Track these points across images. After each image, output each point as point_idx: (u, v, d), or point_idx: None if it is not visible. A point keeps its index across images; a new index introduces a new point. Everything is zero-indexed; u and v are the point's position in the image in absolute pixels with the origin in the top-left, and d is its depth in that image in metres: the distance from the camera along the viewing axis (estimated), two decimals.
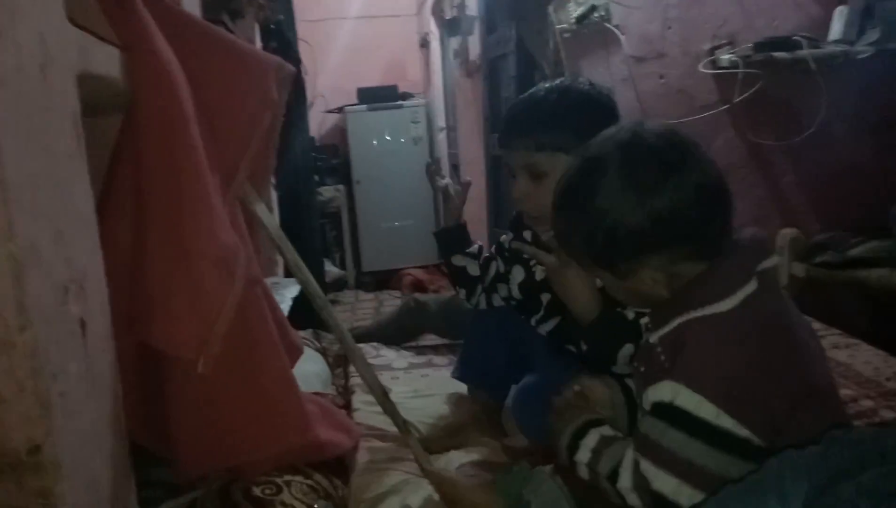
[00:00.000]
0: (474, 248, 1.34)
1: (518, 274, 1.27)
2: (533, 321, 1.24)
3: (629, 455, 0.77)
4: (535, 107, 1.14)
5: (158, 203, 0.81)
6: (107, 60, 0.75)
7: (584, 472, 0.83)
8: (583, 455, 0.83)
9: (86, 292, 0.64)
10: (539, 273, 1.21)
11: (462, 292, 1.36)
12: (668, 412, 0.71)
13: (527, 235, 1.26)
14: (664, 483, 0.71)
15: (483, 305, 1.34)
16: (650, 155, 0.75)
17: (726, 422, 0.68)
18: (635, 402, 0.90)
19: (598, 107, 1.13)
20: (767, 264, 0.77)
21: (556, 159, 1.10)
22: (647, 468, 0.72)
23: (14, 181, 0.52)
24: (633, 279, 0.78)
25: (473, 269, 1.33)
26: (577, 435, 0.85)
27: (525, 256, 1.24)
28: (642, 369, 0.82)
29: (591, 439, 0.83)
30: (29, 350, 0.54)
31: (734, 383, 0.69)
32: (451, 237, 1.35)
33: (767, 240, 0.82)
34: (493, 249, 1.36)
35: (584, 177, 0.79)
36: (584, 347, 1.05)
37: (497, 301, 1.32)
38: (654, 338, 0.78)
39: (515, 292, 1.28)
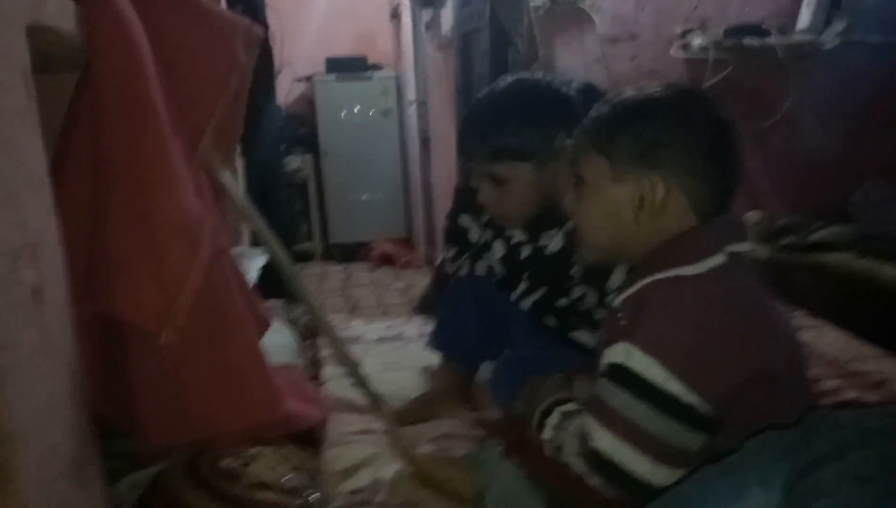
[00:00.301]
0: (484, 217, 1.31)
1: (498, 249, 1.27)
2: (513, 297, 1.24)
3: (574, 423, 0.77)
4: (491, 114, 1.10)
5: (118, 166, 0.78)
6: (60, 12, 0.71)
7: (549, 450, 0.82)
8: (547, 434, 0.82)
9: (40, 258, 0.61)
10: (523, 253, 1.21)
11: (451, 252, 1.33)
12: (619, 374, 0.71)
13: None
14: (602, 440, 0.70)
15: (465, 270, 1.32)
16: (701, 97, 0.80)
17: (674, 387, 0.68)
18: None
19: (555, 108, 1.08)
20: (740, 247, 0.77)
21: (515, 167, 1.09)
22: (589, 425, 0.72)
23: None
24: (628, 184, 0.77)
25: (475, 235, 1.31)
26: (543, 415, 0.84)
27: (506, 233, 1.23)
28: (605, 337, 0.81)
29: (554, 417, 0.82)
30: None
31: (689, 348, 0.70)
32: (473, 197, 1.25)
33: (744, 225, 0.83)
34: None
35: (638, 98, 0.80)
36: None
37: (480, 270, 1.31)
38: (617, 301, 0.78)
39: (497, 267, 1.28)
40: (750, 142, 2.21)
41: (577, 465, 0.74)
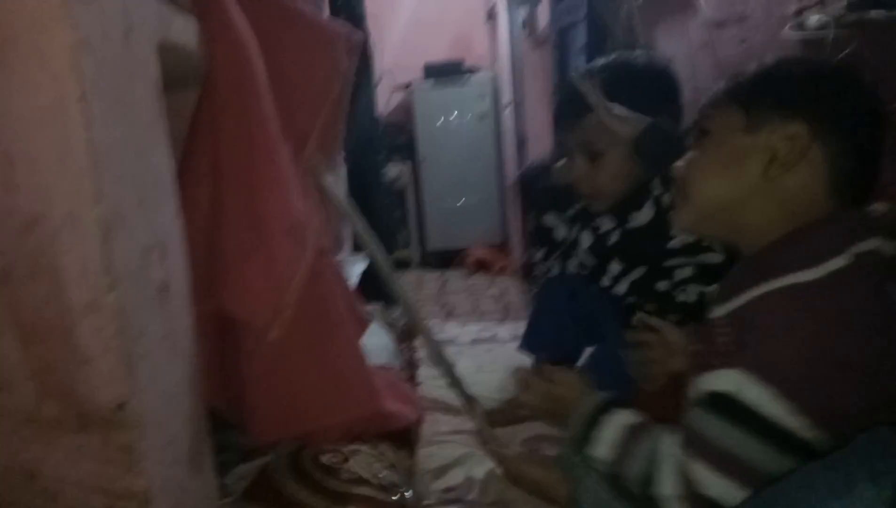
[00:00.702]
0: (569, 213, 1.28)
1: (586, 239, 1.23)
2: (606, 282, 1.18)
3: (668, 455, 0.67)
4: (610, 67, 1.12)
5: (233, 172, 0.82)
6: (184, 29, 0.76)
7: (605, 469, 0.73)
8: (602, 452, 0.73)
9: (167, 256, 0.66)
10: (612, 238, 1.18)
11: (539, 254, 1.31)
12: (727, 406, 0.61)
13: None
14: (722, 488, 0.61)
15: (556, 271, 1.30)
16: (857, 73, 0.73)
17: (793, 422, 0.58)
18: None
19: (655, 81, 1.09)
20: (867, 245, 0.64)
21: (615, 127, 1.08)
22: (700, 472, 0.62)
23: (101, 146, 0.54)
24: (760, 135, 0.67)
25: (560, 233, 1.28)
26: (589, 426, 0.75)
27: (593, 224, 1.20)
28: (699, 350, 0.71)
29: (609, 432, 0.73)
30: (115, 311, 0.56)
31: (810, 374, 0.59)
32: (556, 195, 1.28)
33: (873, 219, 0.69)
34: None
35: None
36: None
37: (571, 268, 1.28)
38: (718, 313, 0.68)
39: (586, 259, 1.24)
40: None
41: (678, 507, 0.65)
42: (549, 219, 1.29)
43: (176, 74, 0.80)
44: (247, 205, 0.83)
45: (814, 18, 1.92)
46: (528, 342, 1.32)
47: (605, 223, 1.18)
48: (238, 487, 0.88)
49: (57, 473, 0.60)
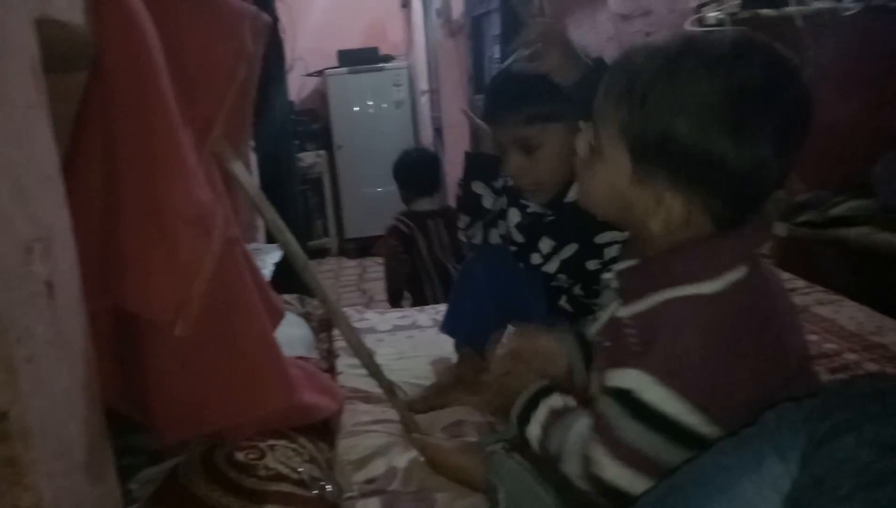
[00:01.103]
0: (499, 182, 1.27)
1: (514, 216, 1.23)
2: (536, 260, 1.18)
3: (574, 435, 0.71)
4: (521, 77, 1.08)
5: (129, 159, 0.77)
6: (69, 5, 0.70)
7: (535, 448, 0.79)
8: (533, 430, 0.78)
9: (52, 251, 0.61)
10: (545, 218, 1.17)
11: (464, 221, 1.29)
12: (631, 402, 0.66)
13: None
14: (613, 472, 0.66)
15: (479, 239, 1.28)
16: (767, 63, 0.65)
17: (691, 420, 0.64)
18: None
19: (590, 72, 1.06)
20: (763, 249, 0.70)
21: (549, 131, 1.07)
22: (600, 457, 0.67)
23: None
24: (646, 193, 0.67)
25: (488, 201, 1.26)
26: (528, 406, 0.80)
27: (522, 200, 1.20)
28: (607, 343, 0.76)
29: (540, 412, 0.78)
30: None
31: (707, 378, 0.64)
32: (485, 163, 1.25)
33: (770, 221, 0.72)
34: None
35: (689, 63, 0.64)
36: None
37: (494, 238, 1.27)
38: (625, 313, 0.71)
39: (514, 235, 1.24)
40: None
41: (580, 484, 0.70)
42: (478, 187, 1.26)
43: (60, 53, 0.74)
44: (145, 194, 0.78)
45: (712, 14, 2.03)
46: (449, 325, 1.31)
47: (535, 206, 1.18)
48: (145, 492, 0.84)
49: None
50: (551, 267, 1.17)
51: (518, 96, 1.08)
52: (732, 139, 0.62)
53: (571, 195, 1.12)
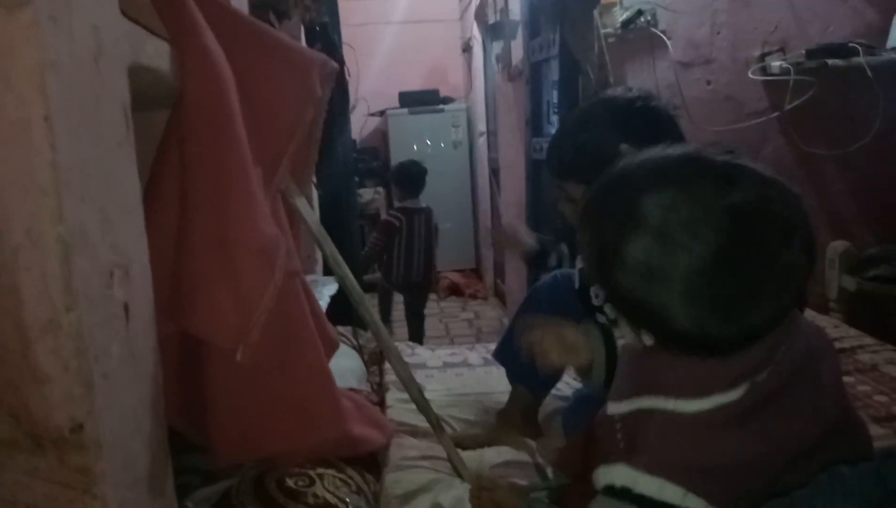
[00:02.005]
0: (553, 259, 1.32)
1: (580, 262, 1.25)
2: (597, 302, 1.15)
3: None
4: (566, 134, 1.13)
5: (202, 194, 0.83)
6: (157, 53, 0.77)
7: None
8: None
9: (130, 277, 0.66)
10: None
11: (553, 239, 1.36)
12: (628, 497, 0.63)
13: None
14: None
15: (564, 258, 1.32)
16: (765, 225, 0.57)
17: (694, 503, 0.60)
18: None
19: (629, 133, 1.01)
20: (758, 378, 0.61)
21: (580, 190, 1.08)
22: None
23: (65, 166, 0.54)
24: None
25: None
26: None
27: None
28: (602, 439, 0.73)
29: None
30: (74, 331, 0.55)
31: (701, 473, 0.61)
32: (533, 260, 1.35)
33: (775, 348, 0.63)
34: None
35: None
36: None
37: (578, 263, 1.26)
38: (612, 409, 0.70)
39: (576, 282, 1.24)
40: (835, 166, 2.11)
41: None
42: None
43: (147, 96, 0.81)
44: (215, 227, 0.83)
45: (776, 64, 2.01)
46: (503, 354, 1.30)
47: None
48: None
49: (10, 496, 0.59)
50: (609, 309, 1.17)
51: (559, 153, 1.12)
52: (679, 302, 0.57)
53: None
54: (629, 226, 0.58)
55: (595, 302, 1.17)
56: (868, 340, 1.58)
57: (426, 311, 3.53)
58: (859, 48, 1.90)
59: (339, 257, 1.08)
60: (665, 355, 0.63)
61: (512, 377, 1.29)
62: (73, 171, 0.55)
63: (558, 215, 1.20)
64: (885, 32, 2.00)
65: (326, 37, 2.33)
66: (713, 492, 0.60)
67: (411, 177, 3.46)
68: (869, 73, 1.85)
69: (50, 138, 0.52)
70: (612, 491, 0.65)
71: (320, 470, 0.96)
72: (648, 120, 1.04)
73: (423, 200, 4.06)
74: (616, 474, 0.64)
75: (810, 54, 1.96)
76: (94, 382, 0.57)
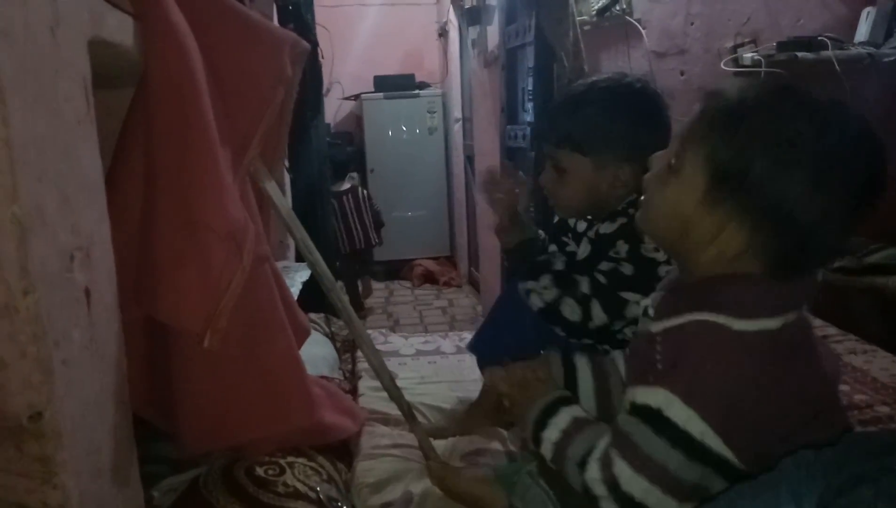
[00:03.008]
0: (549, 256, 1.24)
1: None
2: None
3: (601, 445, 0.72)
4: (567, 104, 1.13)
5: (168, 175, 0.80)
6: (119, 27, 0.74)
7: (548, 451, 0.79)
8: (551, 434, 0.79)
9: (92, 260, 0.63)
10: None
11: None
12: (654, 419, 0.67)
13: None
14: (635, 485, 0.68)
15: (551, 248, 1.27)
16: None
17: (712, 441, 0.65)
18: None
19: (632, 116, 1.07)
20: (794, 315, 0.68)
21: (573, 159, 1.09)
22: (622, 468, 0.69)
23: (20, 142, 0.51)
24: (713, 219, 0.68)
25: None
26: (547, 412, 0.81)
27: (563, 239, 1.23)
28: (634, 360, 0.78)
29: (562, 419, 0.79)
30: (32, 315, 0.53)
31: (731, 407, 0.66)
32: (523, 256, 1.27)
33: (818, 282, 0.72)
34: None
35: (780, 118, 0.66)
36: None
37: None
38: (656, 327, 0.72)
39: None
40: None
41: (599, 490, 0.71)
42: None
43: (110, 71, 0.77)
44: (182, 210, 0.80)
45: (748, 56, 2.03)
46: (478, 345, 1.29)
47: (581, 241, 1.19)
48: (166, 500, 0.85)
49: None
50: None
51: (559, 119, 1.13)
52: (810, 188, 0.64)
53: (603, 227, 1.12)
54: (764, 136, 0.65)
55: (578, 256, 1.15)
56: (832, 330, 1.62)
57: (400, 299, 3.59)
58: (828, 42, 1.94)
59: (310, 243, 1.06)
60: (721, 277, 0.68)
61: (484, 367, 1.28)
62: (29, 148, 0.53)
63: (540, 186, 1.19)
64: (853, 27, 2.04)
65: (299, 17, 2.28)
66: (733, 436, 0.65)
67: (334, 165, 3.85)
68: (837, 66, 1.88)
69: (2, 112, 0.49)
70: (644, 412, 0.68)
71: (290, 459, 0.95)
72: (647, 102, 1.10)
73: (400, 184, 4.29)
74: (654, 396, 0.67)
75: (781, 47, 1.98)
76: (54, 368, 0.55)
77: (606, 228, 1.10)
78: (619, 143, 1.06)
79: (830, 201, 0.64)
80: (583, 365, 0.92)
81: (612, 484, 0.69)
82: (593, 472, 0.72)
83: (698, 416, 0.65)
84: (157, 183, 0.81)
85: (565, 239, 1.23)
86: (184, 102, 0.81)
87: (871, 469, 0.52)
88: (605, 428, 0.76)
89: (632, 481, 0.68)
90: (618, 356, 0.92)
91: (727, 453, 0.65)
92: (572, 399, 0.84)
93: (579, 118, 1.08)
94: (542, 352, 0.95)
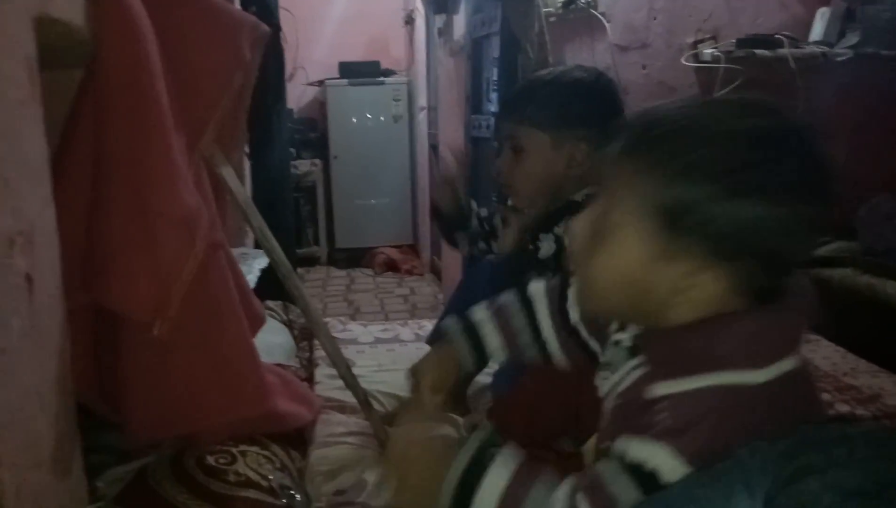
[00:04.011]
0: (474, 224, 1.34)
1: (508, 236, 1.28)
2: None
3: (560, 495, 0.61)
4: (529, 85, 1.19)
5: (119, 159, 0.78)
6: (68, 5, 0.71)
7: None
8: (489, 497, 0.62)
9: (34, 245, 0.61)
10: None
11: (464, 247, 1.39)
12: (646, 480, 0.59)
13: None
14: None
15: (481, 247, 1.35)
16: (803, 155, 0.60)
17: (678, 474, 0.58)
18: None
19: (591, 96, 1.13)
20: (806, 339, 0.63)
21: (533, 135, 1.12)
22: None
23: None
24: (676, 269, 0.60)
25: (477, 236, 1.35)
26: (469, 475, 0.64)
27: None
28: (621, 404, 0.68)
29: (494, 478, 0.63)
30: None
31: (723, 450, 0.58)
32: (451, 223, 1.36)
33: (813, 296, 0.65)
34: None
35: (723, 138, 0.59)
36: None
37: (496, 248, 1.34)
38: (661, 391, 0.62)
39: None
40: None
41: None
42: (461, 239, 1.35)
43: (58, 52, 0.75)
44: (132, 193, 0.79)
45: (707, 52, 2.07)
46: (438, 336, 1.31)
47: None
48: (112, 490, 0.83)
49: None
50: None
51: (521, 98, 1.17)
52: (763, 195, 0.58)
53: (543, 252, 1.13)
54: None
55: (541, 255, 1.17)
56: None
57: (362, 286, 3.51)
58: (784, 40, 1.99)
59: (267, 230, 1.05)
60: (715, 325, 0.60)
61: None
62: None
63: (494, 172, 1.21)
64: (808, 26, 2.09)
65: (262, 0, 2.23)
66: (703, 463, 0.57)
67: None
68: (792, 64, 1.94)
69: None
70: (637, 471, 0.59)
71: (243, 447, 0.94)
72: (603, 85, 1.16)
73: (363, 172, 4.15)
74: (653, 456, 0.59)
75: (740, 44, 2.03)
76: None
77: (545, 250, 1.13)
78: (577, 120, 1.10)
79: (787, 203, 0.58)
80: (482, 320, 0.86)
81: None
82: None
83: (687, 467, 0.58)
84: (107, 167, 0.79)
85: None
86: (136, 84, 0.78)
87: (819, 461, 0.53)
88: (554, 475, 0.64)
89: None
90: (539, 286, 0.87)
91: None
92: (496, 442, 0.68)
93: (540, 96, 1.13)
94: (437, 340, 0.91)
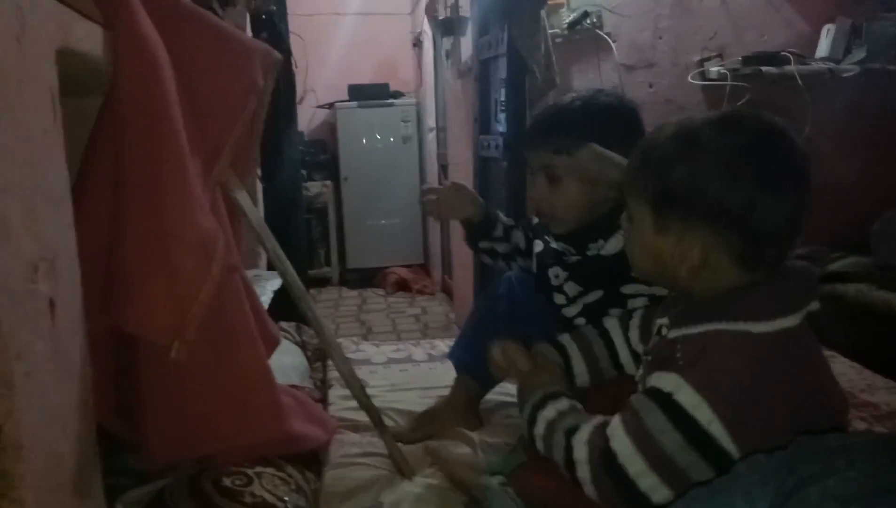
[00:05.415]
0: (499, 229, 1.34)
1: (538, 246, 1.27)
2: (561, 300, 1.20)
3: (595, 421, 0.77)
4: (559, 112, 1.18)
5: (137, 185, 0.80)
6: (88, 37, 0.74)
7: (541, 427, 0.82)
8: (539, 428, 0.82)
9: (57, 271, 0.63)
10: (570, 259, 1.20)
11: (487, 259, 1.39)
12: (663, 400, 0.70)
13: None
14: (622, 446, 0.71)
15: (501, 265, 1.36)
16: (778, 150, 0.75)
17: (716, 430, 0.68)
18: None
19: (620, 119, 1.14)
20: (814, 307, 0.74)
21: (565, 164, 1.11)
22: (615, 428, 0.72)
23: None
24: (670, 240, 0.76)
25: (501, 247, 1.35)
26: (536, 407, 0.84)
27: (546, 236, 1.25)
28: (651, 357, 0.82)
29: (549, 412, 0.83)
30: None
31: (741, 401, 0.68)
32: (477, 229, 1.36)
33: (818, 278, 0.78)
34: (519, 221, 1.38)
35: (698, 133, 0.75)
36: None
37: (516, 267, 1.34)
38: (674, 334, 0.76)
39: (536, 264, 1.28)
40: None
41: (582, 470, 0.74)
42: (484, 244, 1.35)
43: (79, 81, 0.77)
44: (151, 219, 0.80)
45: (714, 69, 2.09)
46: (458, 354, 1.30)
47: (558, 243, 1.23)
48: None
49: None
50: (572, 311, 1.19)
51: (551, 127, 1.16)
52: (725, 181, 0.72)
53: (607, 249, 1.14)
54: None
55: (554, 282, 1.20)
56: None
57: (373, 307, 3.49)
58: (791, 57, 2.00)
59: (281, 252, 1.06)
60: (725, 292, 0.74)
61: (461, 373, 1.29)
62: None
63: (528, 200, 1.23)
64: (814, 43, 2.11)
65: (273, 26, 2.28)
66: (741, 431, 0.67)
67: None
68: (799, 80, 1.95)
69: None
70: (655, 393, 0.72)
71: (258, 469, 0.94)
72: (634, 115, 1.17)
73: (373, 193, 4.15)
74: (667, 380, 0.71)
75: (746, 61, 2.04)
76: (15, 381, 0.54)
77: (612, 247, 1.13)
78: (612, 144, 1.09)
79: (745, 185, 0.71)
80: (568, 342, 0.99)
81: (602, 450, 0.72)
82: (580, 452, 0.75)
83: (707, 405, 0.68)
84: (126, 192, 0.80)
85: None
86: (153, 112, 0.80)
87: (819, 471, 0.54)
88: (585, 417, 0.80)
89: (623, 444, 0.71)
90: (612, 320, 0.99)
91: (730, 446, 0.67)
92: (560, 394, 0.86)
93: (574, 125, 1.12)
94: (532, 345, 0.98)
